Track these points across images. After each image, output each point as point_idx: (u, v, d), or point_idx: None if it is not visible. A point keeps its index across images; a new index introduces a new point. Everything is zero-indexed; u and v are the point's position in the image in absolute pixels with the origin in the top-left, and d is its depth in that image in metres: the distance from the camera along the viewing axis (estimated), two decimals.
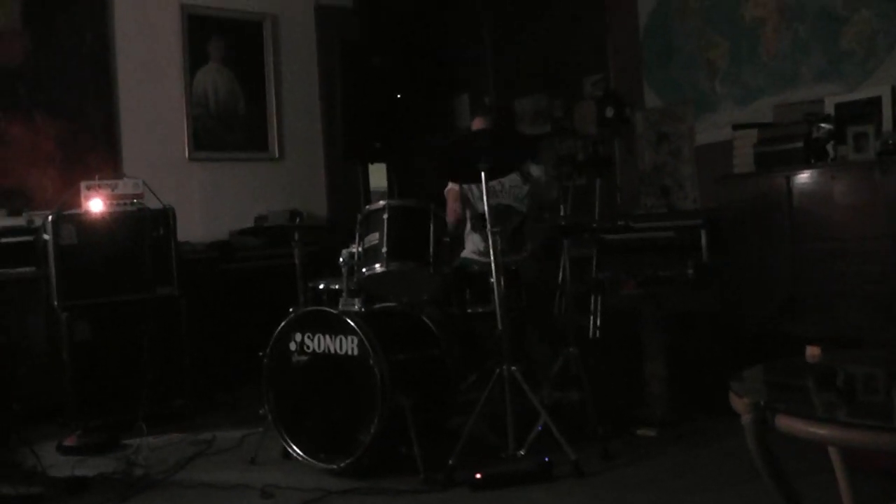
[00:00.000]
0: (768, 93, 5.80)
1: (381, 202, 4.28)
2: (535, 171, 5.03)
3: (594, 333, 5.15)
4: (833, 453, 2.82)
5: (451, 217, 4.87)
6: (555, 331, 4.79)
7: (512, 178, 5.00)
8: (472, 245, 5.13)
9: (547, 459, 3.91)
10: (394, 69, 6.95)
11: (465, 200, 5.05)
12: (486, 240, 4.30)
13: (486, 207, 4.15)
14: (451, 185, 5.07)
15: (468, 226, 5.12)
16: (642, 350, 4.76)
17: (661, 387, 4.70)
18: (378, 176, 8.07)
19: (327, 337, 4.14)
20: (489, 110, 6.44)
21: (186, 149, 6.91)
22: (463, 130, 5.19)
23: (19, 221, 5.75)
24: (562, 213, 4.61)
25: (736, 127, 5.62)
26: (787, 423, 2.17)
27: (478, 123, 5.27)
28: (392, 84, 6.93)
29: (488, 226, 4.12)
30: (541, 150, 7.37)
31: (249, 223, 6.82)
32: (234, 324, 6.09)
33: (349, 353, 4.05)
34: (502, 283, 4.10)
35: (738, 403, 2.30)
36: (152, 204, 5.49)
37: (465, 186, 4.99)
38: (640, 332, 4.76)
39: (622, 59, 6.85)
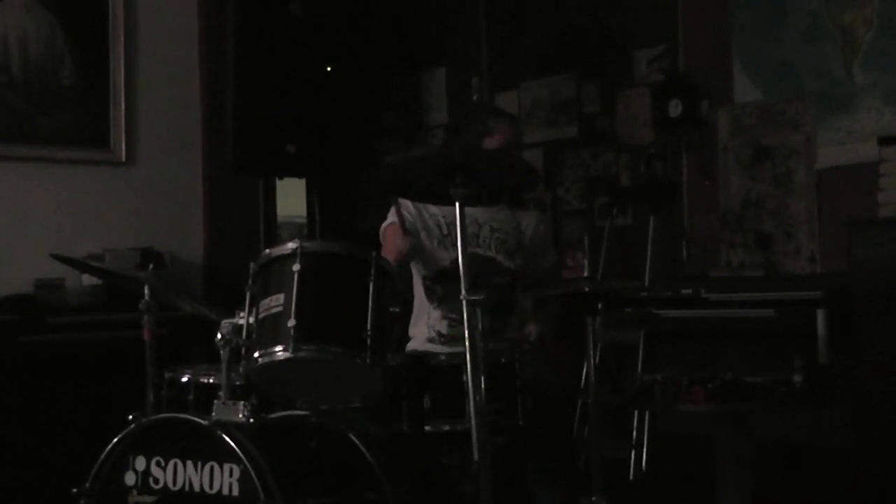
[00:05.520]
0: None
1: (291, 244, 3.46)
2: (526, 217, 4.22)
3: (637, 473, 4.64)
4: None
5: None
6: (571, 467, 3.99)
7: (495, 214, 4.13)
8: (427, 327, 4.19)
9: None
10: (323, 24, 5.60)
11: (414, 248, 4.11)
12: (448, 316, 3.69)
13: (461, 257, 3.20)
14: (391, 219, 4.19)
15: (417, 296, 4.25)
16: None
17: None
18: (292, 199, 6.86)
19: (190, 465, 3.43)
20: (508, 115, 4.95)
21: None
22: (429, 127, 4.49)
23: None
24: (586, 273, 3.93)
25: (885, 141, 4.64)
26: None
27: (497, 139, 4.19)
28: (320, 49, 5.56)
29: (462, 289, 3.16)
30: (558, 168, 6.33)
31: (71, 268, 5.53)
32: (35, 435, 5.01)
33: (226, 492, 3.34)
34: (483, 384, 3.16)
35: None
36: None
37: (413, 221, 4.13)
38: (712, 475, 4.09)
39: (699, 23, 5.82)
